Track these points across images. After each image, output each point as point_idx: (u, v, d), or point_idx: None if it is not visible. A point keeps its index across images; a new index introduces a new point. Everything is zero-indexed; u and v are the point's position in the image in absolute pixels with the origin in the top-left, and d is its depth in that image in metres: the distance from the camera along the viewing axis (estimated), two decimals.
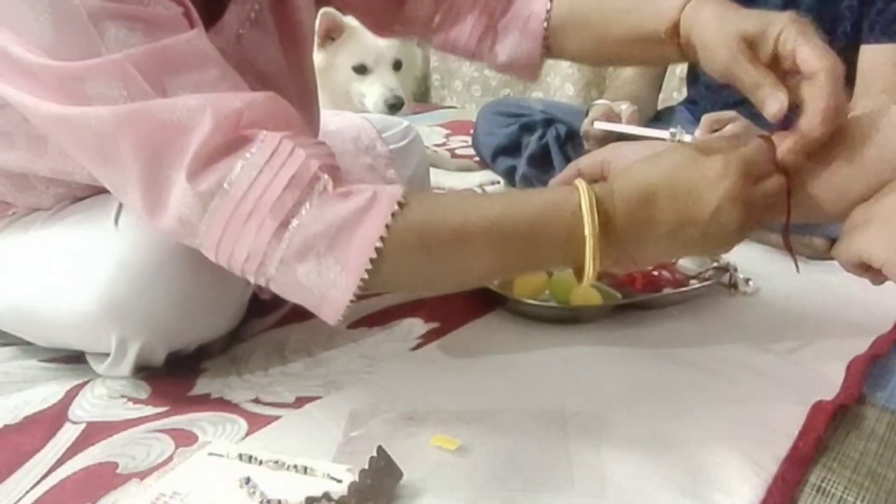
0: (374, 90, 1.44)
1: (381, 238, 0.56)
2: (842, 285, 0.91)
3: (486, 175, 1.40)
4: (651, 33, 0.74)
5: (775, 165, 0.62)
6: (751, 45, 0.64)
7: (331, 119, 1.11)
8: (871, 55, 1.15)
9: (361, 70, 1.47)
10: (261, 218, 0.56)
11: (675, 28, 0.72)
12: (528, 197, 0.63)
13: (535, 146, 1.31)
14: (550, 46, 0.84)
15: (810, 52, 0.61)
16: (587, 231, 0.59)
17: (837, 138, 0.63)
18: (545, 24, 0.82)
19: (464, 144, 1.63)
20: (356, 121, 1.13)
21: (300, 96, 0.83)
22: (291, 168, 0.57)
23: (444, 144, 1.72)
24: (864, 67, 1.16)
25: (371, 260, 0.56)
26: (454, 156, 1.61)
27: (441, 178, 1.36)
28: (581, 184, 0.61)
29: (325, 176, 0.58)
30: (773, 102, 0.62)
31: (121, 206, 0.72)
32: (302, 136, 0.59)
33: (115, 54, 0.56)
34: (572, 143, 1.23)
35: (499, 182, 1.38)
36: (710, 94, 1.36)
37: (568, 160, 1.26)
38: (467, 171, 1.45)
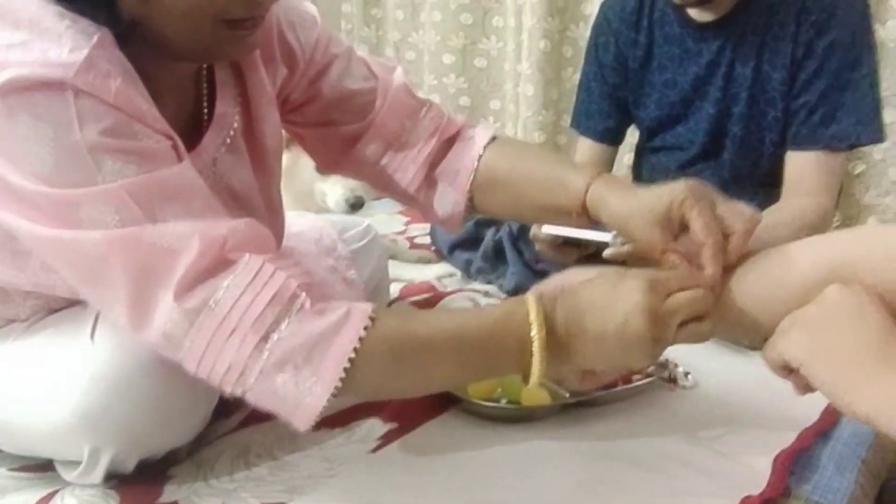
0: (335, 190, 1.51)
1: (355, 350, 0.63)
2: (776, 378, 0.98)
3: (443, 267, 1.47)
4: (562, 206, 0.86)
5: (696, 283, 0.71)
6: (659, 222, 0.76)
7: (293, 221, 1.17)
8: (796, 161, 1.26)
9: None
10: (243, 333, 0.62)
11: (584, 207, 0.84)
12: (485, 309, 0.73)
13: (489, 242, 1.38)
14: (475, 201, 0.94)
15: (700, 228, 0.73)
16: (534, 339, 0.67)
17: (761, 268, 0.72)
18: (471, 181, 0.92)
19: (423, 233, 1.69)
20: (318, 222, 1.19)
21: (268, 212, 0.90)
22: (273, 288, 0.63)
23: (403, 232, 1.78)
24: (790, 171, 1.26)
25: (345, 369, 0.63)
26: (413, 245, 1.67)
27: (400, 271, 1.42)
28: (530, 298, 0.70)
29: (304, 294, 0.65)
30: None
31: (96, 319, 0.76)
32: (281, 259, 0.66)
33: (112, 184, 0.62)
34: (524, 239, 1.30)
35: (455, 275, 1.44)
36: None
37: (520, 255, 1.34)
38: (426, 264, 1.51)
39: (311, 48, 0.89)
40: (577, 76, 2.15)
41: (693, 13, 1.30)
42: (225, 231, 0.64)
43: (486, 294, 1.34)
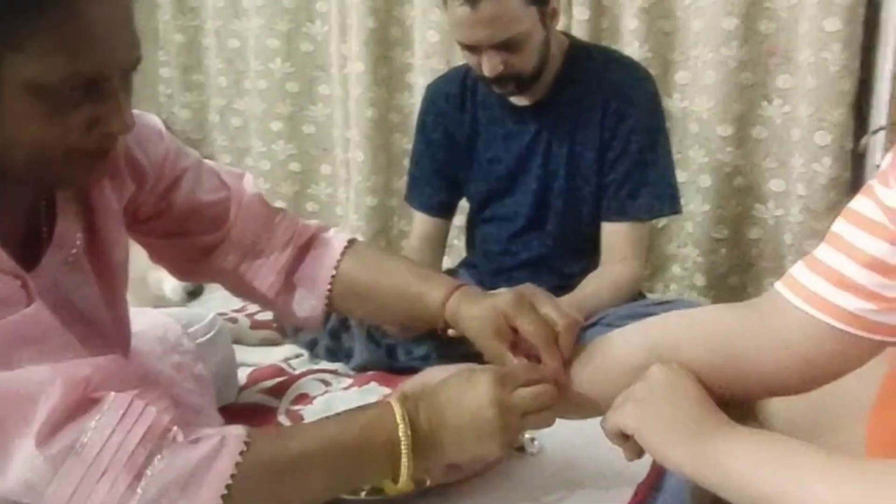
0: (172, 278, 1.47)
1: (232, 476, 0.64)
2: None
3: (289, 349, 1.47)
4: (424, 320, 0.93)
5: (540, 377, 0.79)
6: (496, 332, 0.84)
7: (135, 319, 1.13)
8: (609, 231, 1.41)
9: None
10: (115, 474, 0.62)
11: (445, 322, 0.90)
12: (353, 417, 0.75)
13: (334, 320, 1.40)
14: (333, 304, 0.97)
15: (529, 334, 0.83)
16: (402, 440, 0.72)
17: (594, 358, 0.82)
18: (329, 287, 0.95)
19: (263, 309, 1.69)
20: (160, 318, 1.16)
21: (114, 324, 0.87)
22: (144, 424, 0.63)
23: (242, 309, 1.74)
24: (605, 240, 1.41)
25: (222, 497, 0.63)
26: (254, 322, 1.64)
27: (244, 356, 1.40)
28: (394, 402, 0.75)
29: (175, 427, 0.64)
30: None
31: None
32: (149, 393, 0.65)
33: None
34: None
35: (302, 355, 1.45)
36: (486, 260, 1.56)
37: (367, 332, 1.38)
38: (270, 346, 1.51)
39: (160, 163, 0.88)
40: (406, 141, 2.26)
41: (512, 98, 1.42)
42: (88, 371, 0.63)
43: (336, 373, 1.37)
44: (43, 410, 0.60)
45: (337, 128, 2.36)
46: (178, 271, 1.03)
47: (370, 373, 1.36)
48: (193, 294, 1.46)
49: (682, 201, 1.87)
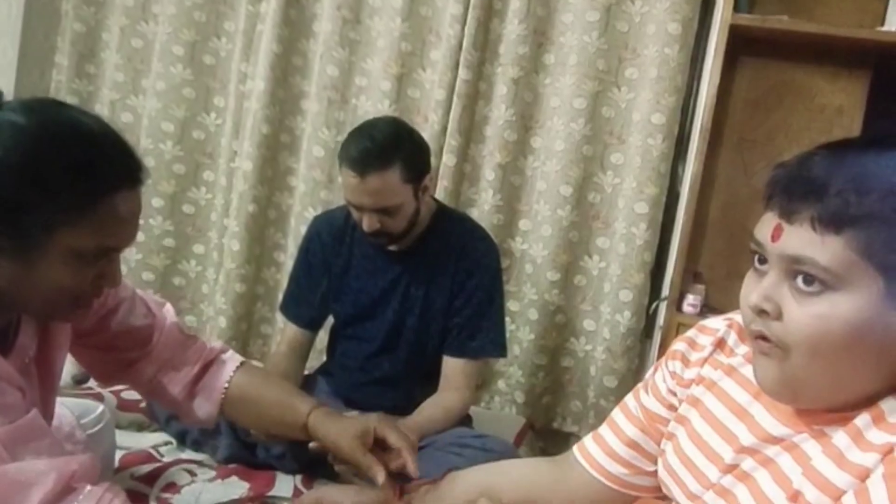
0: None
1: None
2: None
3: (160, 436, 1.64)
4: (291, 425, 1.19)
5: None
6: (360, 439, 1.11)
7: None
8: (448, 364, 1.70)
9: None
10: None
11: (306, 427, 1.16)
12: None
13: None
14: (224, 411, 1.21)
15: (394, 440, 1.11)
16: None
17: (441, 490, 1.09)
18: (222, 396, 1.20)
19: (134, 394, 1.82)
20: (57, 409, 1.32)
21: (47, 420, 1.05)
22: None
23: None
24: (445, 371, 1.70)
25: None
26: (121, 402, 1.76)
27: (122, 439, 1.55)
28: None
29: None
30: (379, 475, 1.07)
31: None
32: (113, 487, 0.85)
33: None
34: None
35: (171, 443, 1.62)
36: (343, 372, 1.81)
37: (233, 429, 1.57)
38: (139, 431, 1.67)
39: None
40: (279, 236, 2.49)
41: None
42: (75, 466, 0.83)
43: (201, 464, 1.55)
44: (38, 494, 0.79)
45: (216, 213, 2.54)
46: (100, 377, 1.23)
47: (232, 466, 1.56)
48: (81, 382, 1.60)
49: (513, 327, 2.24)
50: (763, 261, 0.74)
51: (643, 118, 2.17)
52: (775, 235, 0.72)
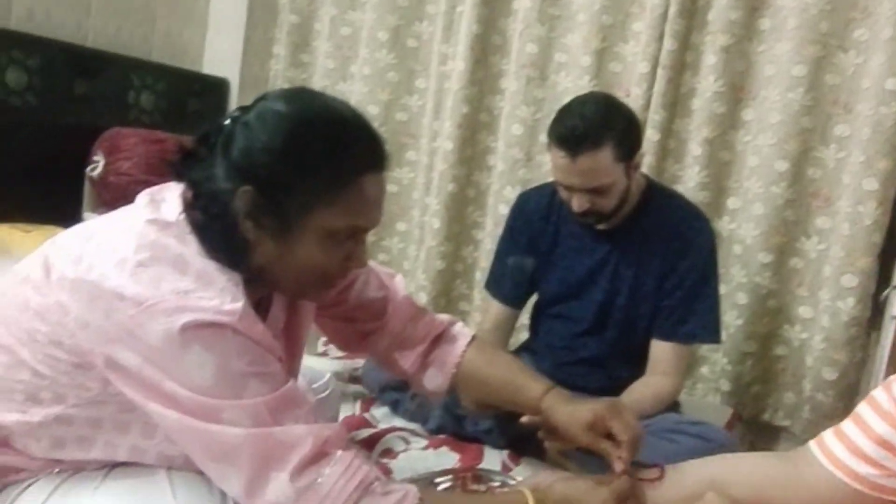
0: None
1: None
2: None
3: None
4: (522, 406, 1.19)
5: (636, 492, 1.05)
6: (592, 426, 1.10)
7: None
8: (657, 347, 1.66)
9: None
10: None
11: (539, 410, 1.16)
12: (493, 497, 1.09)
13: None
14: (455, 386, 1.24)
15: (620, 429, 1.08)
16: None
17: (669, 481, 1.08)
18: (454, 371, 1.23)
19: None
20: None
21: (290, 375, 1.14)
22: (359, 476, 0.89)
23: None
24: (653, 354, 1.66)
25: None
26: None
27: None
28: (526, 490, 1.01)
29: (377, 481, 0.91)
30: (618, 464, 1.06)
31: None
32: (361, 454, 0.92)
33: (253, 399, 0.86)
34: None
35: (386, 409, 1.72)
36: (548, 351, 1.80)
37: (444, 403, 1.62)
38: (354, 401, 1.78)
39: None
40: (478, 215, 2.52)
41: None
42: (328, 433, 0.90)
43: (414, 433, 1.62)
44: (297, 455, 0.86)
45: (417, 191, 2.63)
46: (342, 345, 1.32)
47: (442, 436, 1.61)
48: None
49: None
50: None
51: (875, 84, 1.97)
52: None
